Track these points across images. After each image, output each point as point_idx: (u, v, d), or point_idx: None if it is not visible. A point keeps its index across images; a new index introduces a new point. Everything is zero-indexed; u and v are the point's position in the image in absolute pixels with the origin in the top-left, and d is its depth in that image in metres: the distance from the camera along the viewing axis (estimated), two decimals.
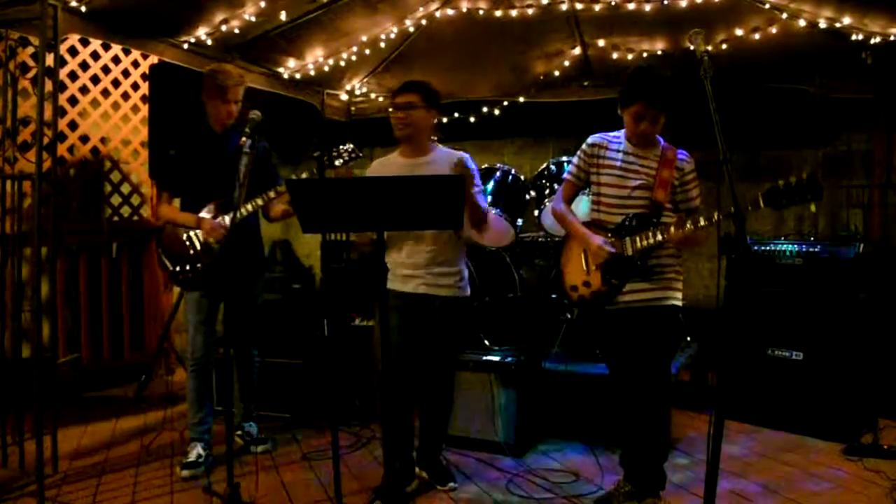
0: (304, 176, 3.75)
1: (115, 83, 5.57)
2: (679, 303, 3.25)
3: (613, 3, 4.52)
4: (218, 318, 4.00)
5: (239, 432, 4.22)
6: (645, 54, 5.10)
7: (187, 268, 3.86)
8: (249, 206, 3.74)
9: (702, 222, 2.92)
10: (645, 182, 3.20)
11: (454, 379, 3.72)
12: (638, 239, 3.13)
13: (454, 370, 3.73)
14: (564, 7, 4.66)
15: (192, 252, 3.86)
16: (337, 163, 3.57)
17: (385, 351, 3.35)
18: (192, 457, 3.83)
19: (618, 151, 3.28)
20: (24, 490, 3.52)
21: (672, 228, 3.02)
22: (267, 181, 3.81)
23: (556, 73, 5.58)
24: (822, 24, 4.37)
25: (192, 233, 3.86)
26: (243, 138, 3.38)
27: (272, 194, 3.73)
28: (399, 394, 3.48)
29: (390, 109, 3.52)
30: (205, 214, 3.83)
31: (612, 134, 3.34)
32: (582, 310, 3.37)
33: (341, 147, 3.59)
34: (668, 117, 3.17)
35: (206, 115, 3.93)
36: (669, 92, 3.11)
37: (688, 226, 2.95)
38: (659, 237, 3.06)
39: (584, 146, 3.37)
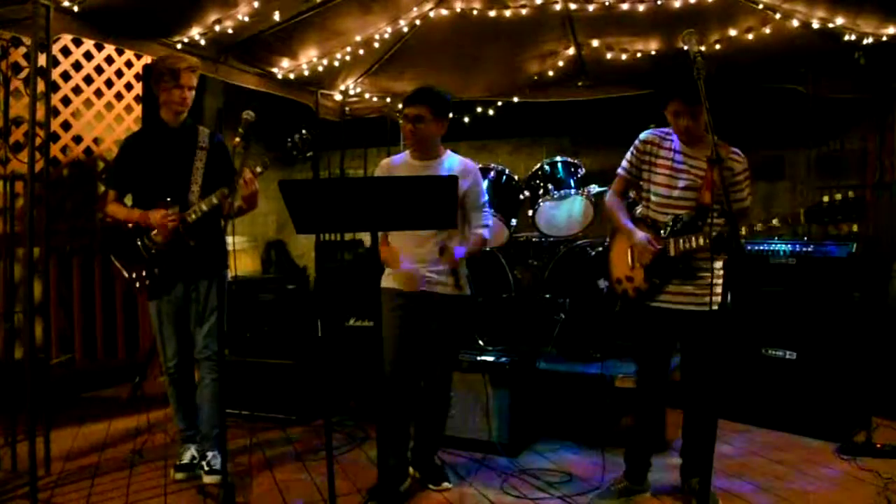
0: (263, 163, 3.49)
1: (109, 83, 5.54)
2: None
3: (607, 4, 4.53)
4: (189, 322, 3.75)
5: (201, 461, 3.76)
6: (639, 54, 5.11)
7: (144, 274, 3.61)
8: (204, 206, 3.51)
9: (743, 231, 2.92)
10: (692, 183, 3.20)
11: (452, 379, 3.72)
12: (682, 241, 3.15)
13: (452, 371, 3.73)
14: (558, 7, 4.67)
15: (146, 256, 3.61)
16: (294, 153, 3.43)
17: (390, 349, 3.38)
18: (185, 459, 3.80)
19: (671, 150, 3.29)
20: (16, 492, 3.50)
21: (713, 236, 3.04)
22: (224, 176, 3.54)
23: (551, 73, 5.59)
24: (815, 25, 4.38)
25: (144, 235, 3.60)
26: (237, 139, 3.35)
27: (226, 191, 3.41)
28: (400, 393, 3.48)
29: (401, 120, 3.53)
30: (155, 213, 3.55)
31: (665, 130, 3.34)
32: (624, 303, 3.42)
33: (296, 136, 3.42)
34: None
35: (159, 109, 3.68)
36: (693, 85, 3.11)
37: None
38: (701, 242, 3.08)
39: (636, 142, 3.38)
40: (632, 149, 3.39)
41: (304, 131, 3.44)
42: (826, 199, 2.66)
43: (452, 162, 3.55)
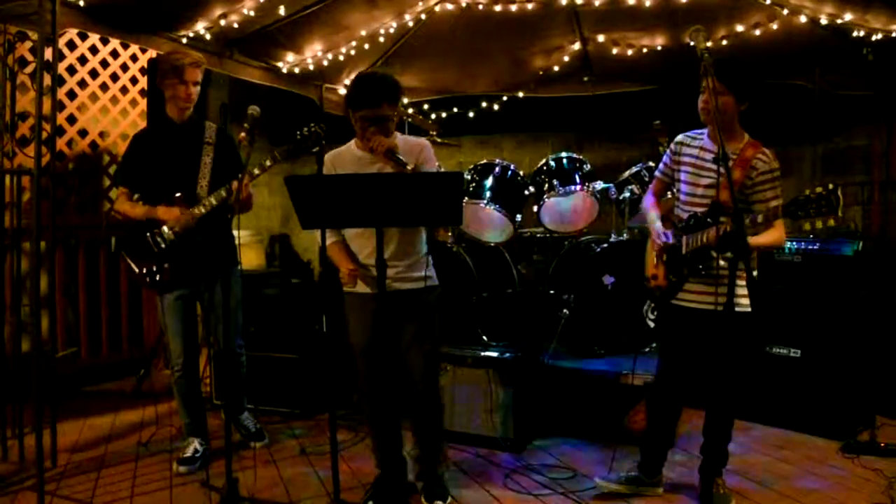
0: (273, 156, 3.53)
1: (114, 77, 5.55)
2: (745, 308, 3.15)
3: None
4: (197, 318, 3.88)
5: (240, 429, 4.19)
6: (645, 49, 5.10)
7: (154, 269, 3.66)
8: (213, 199, 3.58)
9: (745, 223, 2.88)
10: (713, 181, 3.16)
11: (438, 378, 3.50)
12: (691, 238, 3.18)
13: (437, 368, 3.55)
14: (564, 2, 4.65)
15: (156, 250, 3.65)
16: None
17: (363, 355, 3.32)
18: (188, 452, 3.84)
19: (695, 148, 3.30)
20: (23, 484, 3.52)
21: (711, 232, 3.03)
22: (232, 170, 3.60)
23: (556, 68, 5.58)
24: (824, 21, 4.37)
25: (154, 230, 3.65)
26: (242, 133, 3.36)
27: (235, 185, 3.43)
28: (381, 398, 3.32)
29: (356, 123, 3.20)
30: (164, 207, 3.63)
31: (698, 131, 3.36)
32: (654, 301, 3.46)
33: (305, 129, 3.38)
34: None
35: (165, 105, 3.74)
36: (733, 69, 3.09)
37: (712, 231, 2.98)
38: (705, 240, 3.09)
39: (671, 144, 3.44)
40: (667, 150, 3.46)
41: (312, 125, 3.44)
42: (808, 191, 2.64)
43: (403, 144, 3.24)
